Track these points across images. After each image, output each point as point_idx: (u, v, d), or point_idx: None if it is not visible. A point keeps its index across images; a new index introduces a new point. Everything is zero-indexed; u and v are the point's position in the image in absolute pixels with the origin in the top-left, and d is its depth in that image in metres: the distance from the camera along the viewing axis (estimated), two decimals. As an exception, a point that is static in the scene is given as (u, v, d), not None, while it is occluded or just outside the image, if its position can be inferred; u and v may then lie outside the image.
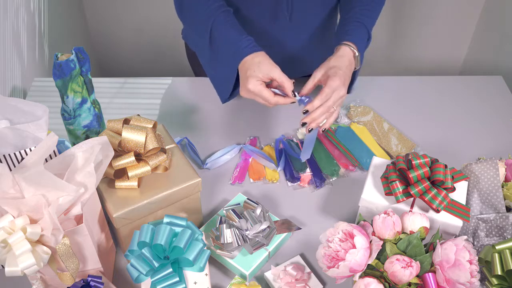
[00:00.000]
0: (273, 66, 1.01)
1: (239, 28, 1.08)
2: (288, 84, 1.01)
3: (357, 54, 1.08)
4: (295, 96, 1.02)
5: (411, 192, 0.88)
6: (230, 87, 1.12)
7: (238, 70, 1.06)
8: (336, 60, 1.05)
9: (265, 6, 1.15)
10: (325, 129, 1.04)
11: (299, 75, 1.36)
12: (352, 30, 1.10)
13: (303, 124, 1.03)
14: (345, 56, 1.06)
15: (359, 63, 1.10)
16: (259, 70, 1.00)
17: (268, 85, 1.03)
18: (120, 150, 0.90)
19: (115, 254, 1.00)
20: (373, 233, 0.85)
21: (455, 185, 0.93)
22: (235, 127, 1.27)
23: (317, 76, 1.05)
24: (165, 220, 0.83)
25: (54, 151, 0.88)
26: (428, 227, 0.85)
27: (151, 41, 2.28)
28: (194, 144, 1.22)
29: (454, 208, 0.91)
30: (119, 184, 0.90)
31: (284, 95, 1.03)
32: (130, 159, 0.89)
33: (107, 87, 1.39)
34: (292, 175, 1.15)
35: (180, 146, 1.20)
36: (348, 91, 1.10)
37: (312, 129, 1.03)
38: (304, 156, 1.11)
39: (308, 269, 0.96)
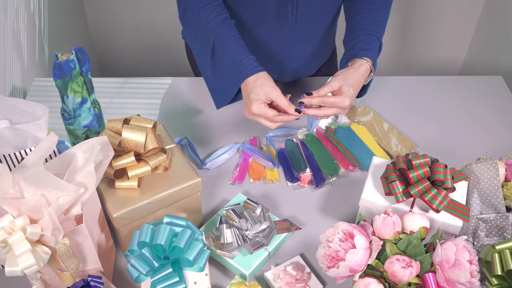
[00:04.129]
0: (273, 88, 1.04)
1: (242, 44, 1.09)
2: (286, 103, 1.03)
3: (372, 73, 1.12)
4: (299, 113, 1.04)
5: (411, 192, 0.88)
6: (228, 100, 1.16)
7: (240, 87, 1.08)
8: (355, 74, 1.08)
9: (269, 8, 1.15)
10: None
11: (296, 77, 1.36)
12: (370, 45, 1.13)
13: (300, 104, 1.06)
14: (362, 71, 1.09)
15: (369, 78, 1.13)
16: (262, 92, 1.03)
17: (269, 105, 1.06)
18: (120, 150, 0.90)
19: (115, 254, 1.00)
20: (373, 233, 0.85)
21: (455, 185, 0.93)
22: (235, 127, 1.27)
23: (334, 86, 1.06)
24: (165, 220, 0.83)
25: (54, 151, 0.88)
26: (428, 227, 0.85)
27: (151, 41, 2.28)
28: (194, 144, 1.22)
29: (454, 208, 0.91)
30: (119, 184, 0.90)
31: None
32: (130, 159, 0.89)
33: (107, 87, 1.39)
34: (292, 175, 1.15)
35: (180, 146, 1.20)
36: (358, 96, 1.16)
37: (299, 112, 1.07)
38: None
39: (308, 269, 0.96)
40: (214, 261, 0.98)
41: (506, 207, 0.99)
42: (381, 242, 0.82)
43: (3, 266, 0.86)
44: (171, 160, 0.96)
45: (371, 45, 1.13)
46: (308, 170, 1.16)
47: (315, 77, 1.41)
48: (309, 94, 1.06)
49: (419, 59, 2.36)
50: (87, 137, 1.08)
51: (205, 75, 1.24)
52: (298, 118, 1.05)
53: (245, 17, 1.17)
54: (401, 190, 0.89)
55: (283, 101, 1.03)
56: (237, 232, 0.94)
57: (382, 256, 0.82)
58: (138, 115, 0.95)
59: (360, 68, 1.09)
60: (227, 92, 1.15)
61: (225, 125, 1.27)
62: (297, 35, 1.20)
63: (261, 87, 1.03)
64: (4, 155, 0.85)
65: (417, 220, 0.85)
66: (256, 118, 1.05)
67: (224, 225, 0.94)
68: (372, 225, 0.85)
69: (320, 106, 1.06)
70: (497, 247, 0.82)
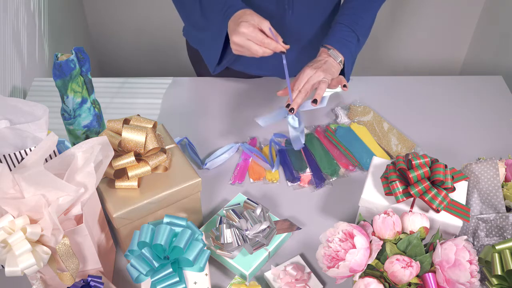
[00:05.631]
0: (263, 19, 1.03)
1: None
2: (275, 32, 1.03)
3: (330, 50, 1.13)
4: (286, 43, 1.04)
5: (411, 192, 0.88)
6: (219, 47, 1.15)
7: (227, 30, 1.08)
8: (313, 60, 1.13)
9: (268, 1, 1.16)
10: (316, 100, 1.06)
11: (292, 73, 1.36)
12: (329, 32, 1.17)
13: (287, 106, 1.06)
14: (319, 56, 1.13)
15: (338, 57, 1.13)
16: (252, 19, 1.02)
17: None
18: (120, 150, 0.90)
19: (115, 254, 1.00)
20: (373, 233, 0.85)
21: (455, 185, 0.93)
22: (235, 127, 1.27)
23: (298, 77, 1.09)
24: (165, 220, 0.83)
25: (54, 151, 0.88)
26: (428, 227, 0.85)
27: (151, 41, 2.28)
28: (194, 144, 1.22)
29: (454, 208, 0.91)
30: (119, 184, 0.90)
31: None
32: (130, 159, 0.89)
33: (107, 87, 1.39)
34: (292, 175, 1.15)
35: (180, 146, 1.20)
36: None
37: (293, 110, 1.05)
38: (297, 146, 1.12)
39: (308, 269, 0.96)
40: (214, 261, 0.98)
41: (506, 207, 0.99)
42: (381, 242, 0.82)
43: (3, 266, 0.86)
44: (171, 160, 0.96)
45: (331, 32, 1.17)
46: (308, 170, 1.16)
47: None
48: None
49: (419, 59, 2.36)
50: (87, 137, 1.08)
51: (196, 37, 1.25)
52: (284, 53, 1.03)
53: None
54: (401, 190, 0.89)
55: (273, 31, 1.03)
56: (237, 232, 0.94)
57: (382, 256, 0.82)
58: (138, 115, 0.95)
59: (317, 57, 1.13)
60: (218, 39, 1.14)
61: (225, 125, 1.27)
62: (294, 27, 1.21)
63: (251, 16, 1.03)
64: (4, 155, 0.85)
65: (417, 220, 0.85)
66: (244, 42, 1.01)
67: (224, 225, 0.94)
68: (372, 225, 0.85)
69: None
70: (497, 247, 0.82)
